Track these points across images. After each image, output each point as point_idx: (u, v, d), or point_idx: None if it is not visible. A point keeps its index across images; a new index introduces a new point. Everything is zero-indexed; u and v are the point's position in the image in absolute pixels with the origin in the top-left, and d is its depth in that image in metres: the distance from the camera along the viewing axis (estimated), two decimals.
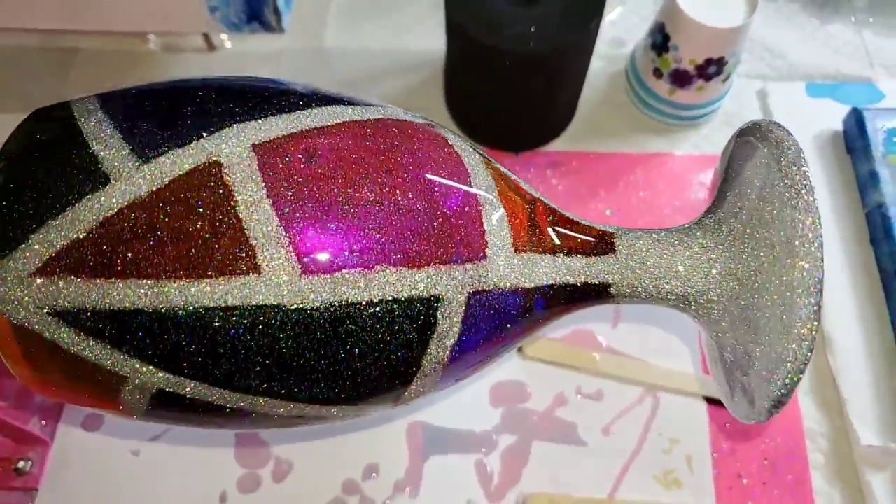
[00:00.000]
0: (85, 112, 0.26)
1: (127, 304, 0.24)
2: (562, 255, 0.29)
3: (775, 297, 0.27)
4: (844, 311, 0.41)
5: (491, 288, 0.27)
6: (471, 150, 0.30)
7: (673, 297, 0.30)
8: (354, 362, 0.26)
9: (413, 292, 0.26)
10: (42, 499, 0.37)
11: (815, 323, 0.26)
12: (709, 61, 0.43)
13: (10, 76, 0.50)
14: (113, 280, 0.24)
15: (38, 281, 0.24)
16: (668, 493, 0.37)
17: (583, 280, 0.29)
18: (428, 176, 0.27)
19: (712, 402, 0.39)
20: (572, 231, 0.30)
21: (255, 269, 0.24)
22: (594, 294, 0.30)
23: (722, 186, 0.31)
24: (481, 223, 0.27)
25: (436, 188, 0.27)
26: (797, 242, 0.26)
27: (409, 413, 0.38)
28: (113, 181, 0.24)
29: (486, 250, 0.27)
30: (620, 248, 0.30)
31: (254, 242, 0.24)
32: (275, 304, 0.24)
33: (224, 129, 0.25)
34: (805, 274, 0.26)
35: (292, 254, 0.24)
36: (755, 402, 0.28)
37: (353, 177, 0.25)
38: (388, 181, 0.26)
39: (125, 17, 0.46)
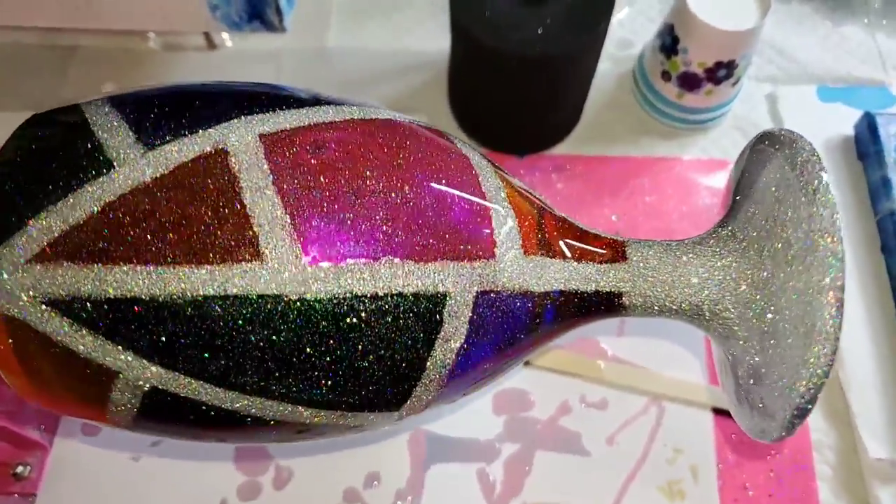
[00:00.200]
0: (92, 107, 0.26)
1: (123, 292, 0.23)
2: (573, 262, 0.29)
3: (793, 297, 0.26)
4: (854, 320, 0.40)
5: (499, 289, 0.27)
6: (479, 155, 0.30)
7: (687, 307, 0.29)
8: (357, 360, 0.25)
9: (419, 288, 0.25)
10: None
11: (839, 320, 0.25)
12: (719, 64, 0.42)
13: (8, 74, 0.50)
14: (110, 266, 0.23)
15: (34, 268, 0.23)
16: None
17: (594, 288, 0.29)
18: (436, 173, 0.27)
19: (718, 412, 0.39)
20: (582, 239, 0.29)
21: (258, 256, 0.23)
22: (606, 304, 0.29)
23: (735, 196, 0.30)
24: (490, 222, 0.27)
25: (444, 185, 0.27)
26: (816, 237, 0.25)
27: (412, 424, 0.38)
28: (117, 167, 0.24)
29: (495, 249, 0.27)
30: (632, 256, 0.29)
31: (257, 229, 0.23)
32: (277, 293, 0.23)
33: (232, 120, 0.25)
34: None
35: (297, 242, 0.24)
36: (775, 415, 0.27)
37: (360, 169, 0.25)
38: (396, 175, 0.26)
39: (125, 16, 0.46)
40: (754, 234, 0.28)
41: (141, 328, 0.23)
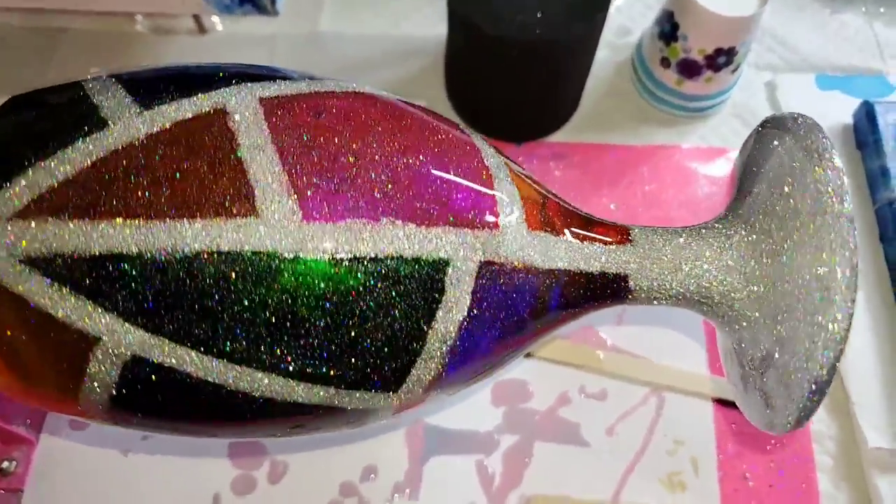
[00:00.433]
0: (91, 79, 0.25)
1: (109, 248, 0.22)
2: (577, 241, 0.28)
3: (804, 263, 0.25)
4: None
5: (503, 261, 0.26)
6: (480, 138, 0.29)
7: (695, 290, 0.28)
8: (354, 327, 0.24)
9: (420, 252, 0.24)
10: (27, 500, 0.35)
11: (854, 279, 0.24)
12: (719, 51, 0.41)
13: None
14: (97, 221, 0.22)
15: (15, 224, 0.22)
16: (672, 495, 0.36)
17: (599, 268, 0.28)
18: (438, 145, 0.26)
19: (719, 402, 0.38)
20: (586, 223, 0.29)
21: (254, 212, 0.22)
22: (611, 288, 0.29)
23: (742, 181, 0.30)
24: (493, 193, 0.26)
25: (446, 155, 0.26)
26: (825, 199, 0.25)
27: (410, 417, 0.37)
28: (111, 125, 0.23)
29: (498, 220, 0.26)
30: (637, 238, 0.29)
31: (254, 184, 0.23)
32: (271, 250, 0.22)
33: (231, 86, 0.25)
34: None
35: (294, 199, 0.23)
36: (792, 396, 0.25)
37: (361, 134, 0.25)
38: (398, 142, 0.25)
39: None
40: (761, 210, 0.27)
41: (126, 287, 0.22)
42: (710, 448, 0.37)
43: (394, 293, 0.24)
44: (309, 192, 0.23)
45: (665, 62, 0.44)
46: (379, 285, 0.24)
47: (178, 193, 0.22)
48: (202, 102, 0.24)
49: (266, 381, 0.24)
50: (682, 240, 0.28)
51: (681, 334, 0.40)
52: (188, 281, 0.22)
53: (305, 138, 0.24)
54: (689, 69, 0.43)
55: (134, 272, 0.22)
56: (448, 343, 0.25)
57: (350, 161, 0.24)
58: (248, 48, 0.49)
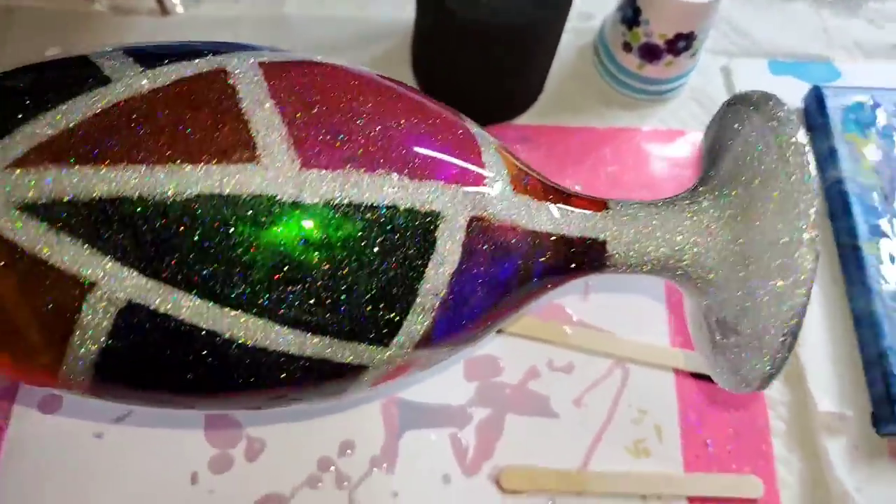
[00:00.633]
0: (95, 52, 0.26)
1: (111, 191, 0.22)
2: (558, 205, 0.30)
3: (770, 229, 0.27)
4: None
5: (491, 218, 0.27)
6: (461, 115, 0.31)
7: (669, 253, 0.29)
8: (350, 274, 0.25)
9: (414, 203, 0.25)
10: None
11: (817, 239, 0.26)
12: (679, 36, 0.43)
13: None
14: (98, 167, 0.22)
15: (14, 171, 0.22)
16: (637, 461, 0.38)
17: (579, 234, 0.29)
18: (426, 110, 0.28)
19: (680, 372, 0.40)
20: (564, 194, 0.30)
21: (254, 158, 0.24)
22: (591, 254, 0.30)
23: (709, 156, 0.32)
24: (480, 155, 0.28)
25: (436, 119, 0.28)
26: (790, 168, 0.27)
27: (388, 390, 0.38)
28: (114, 82, 0.24)
29: (485, 180, 0.28)
30: (613, 207, 0.30)
31: (254, 133, 0.24)
32: (271, 194, 0.23)
33: (231, 52, 0.26)
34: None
35: (293, 147, 0.24)
36: (764, 348, 0.27)
37: (356, 94, 0.26)
38: (391, 104, 0.27)
39: None
40: (730, 180, 0.29)
41: (126, 229, 0.23)
42: (672, 416, 0.39)
43: (388, 242, 0.25)
44: (307, 142, 0.24)
45: (627, 46, 0.45)
46: (373, 233, 0.25)
47: (180, 141, 0.23)
48: (203, 65, 0.25)
49: (261, 327, 0.24)
50: (655, 209, 0.30)
51: (644, 309, 0.42)
52: (189, 223, 0.23)
53: (304, 96, 0.25)
54: (650, 53, 0.44)
55: (135, 215, 0.23)
56: (439, 296, 0.26)
57: (347, 117, 0.25)
58: (211, 30, 0.48)
